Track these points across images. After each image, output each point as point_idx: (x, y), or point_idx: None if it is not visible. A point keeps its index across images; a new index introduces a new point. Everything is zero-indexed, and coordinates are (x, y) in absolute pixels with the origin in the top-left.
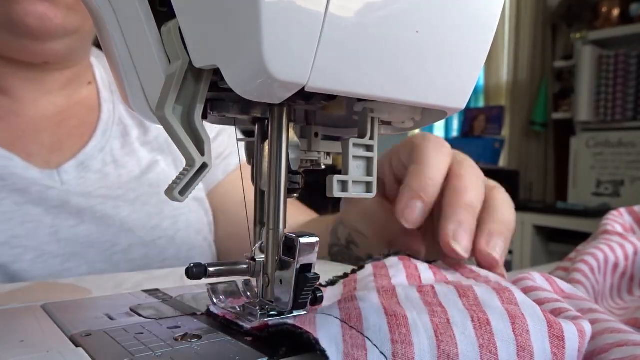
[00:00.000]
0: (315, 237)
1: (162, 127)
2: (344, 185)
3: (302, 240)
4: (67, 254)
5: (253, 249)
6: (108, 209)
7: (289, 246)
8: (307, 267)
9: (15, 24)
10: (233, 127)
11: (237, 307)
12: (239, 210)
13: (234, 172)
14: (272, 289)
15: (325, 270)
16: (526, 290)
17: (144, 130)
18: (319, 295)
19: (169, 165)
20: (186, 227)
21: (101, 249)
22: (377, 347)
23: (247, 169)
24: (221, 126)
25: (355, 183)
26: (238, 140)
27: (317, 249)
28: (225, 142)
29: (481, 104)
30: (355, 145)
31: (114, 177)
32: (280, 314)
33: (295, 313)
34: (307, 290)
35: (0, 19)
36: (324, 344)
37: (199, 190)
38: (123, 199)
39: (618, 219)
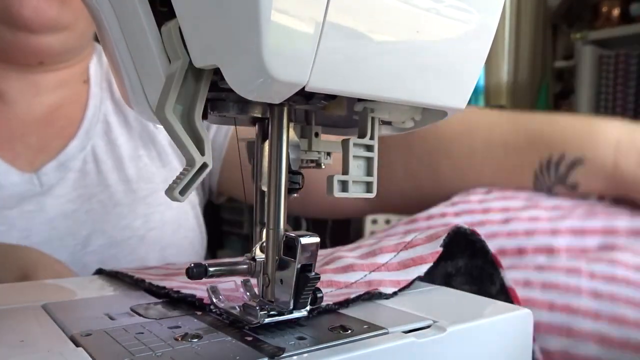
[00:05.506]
0: (316, 237)
1: (143, 120)
2: (344, 185)
3: (303, 240)
4: None
5: (253, 249)
6: (82, 210)
7: (290, 246)
8: (307, 267)
9: (12, 15)
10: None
11: (236, 307)
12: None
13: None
14: (273, 288)
15: None
16: None
17: (127, 126)
18: (319, 295)
19: (153, 159)
20: (160, 225)
21: (74, 250)
22: None
23: (247, 168)
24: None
25: (355, 183)
26: (238, 140)
27: (317, 249)
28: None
29: (481, 104)
30: (355, 145)
31: (93, 175)
32: (280, 314)
33: (296, 313)
34: (307, 290)
35: None
36: None
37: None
38: (98, 197)
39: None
